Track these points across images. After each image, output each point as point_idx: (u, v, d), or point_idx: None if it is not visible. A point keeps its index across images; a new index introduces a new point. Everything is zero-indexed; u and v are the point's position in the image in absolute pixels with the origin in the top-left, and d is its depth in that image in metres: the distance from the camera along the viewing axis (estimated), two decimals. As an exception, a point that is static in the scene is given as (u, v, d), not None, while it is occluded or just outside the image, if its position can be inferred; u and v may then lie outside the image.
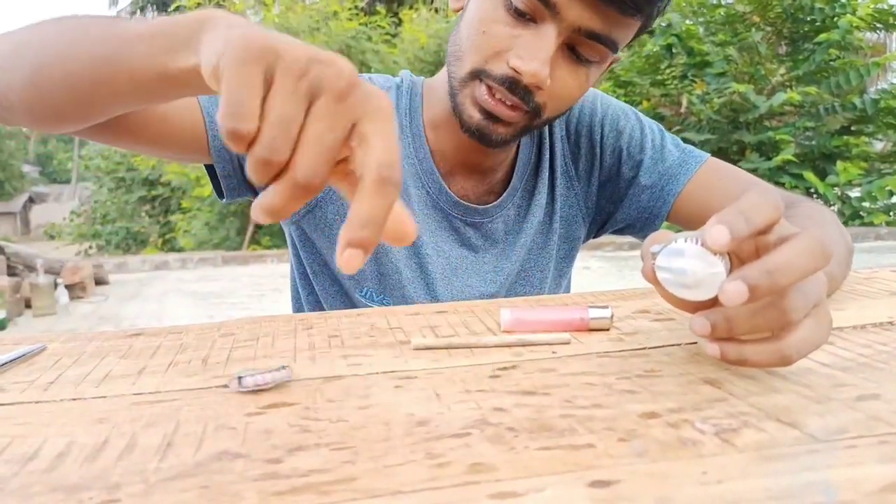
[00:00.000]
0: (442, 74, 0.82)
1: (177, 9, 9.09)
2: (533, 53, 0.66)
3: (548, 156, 0.87)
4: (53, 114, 0.53)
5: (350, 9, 9.83)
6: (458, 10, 0.76)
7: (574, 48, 0.68)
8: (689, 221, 0.83)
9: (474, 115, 0.71)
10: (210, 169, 0.76)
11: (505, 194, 0.84)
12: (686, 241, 0.38)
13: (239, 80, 0.31)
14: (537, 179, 0.86)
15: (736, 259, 0.40)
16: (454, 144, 0.81)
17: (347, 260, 0.31)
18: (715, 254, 0.37)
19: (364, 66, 9.45)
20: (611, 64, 0.76)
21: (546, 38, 0.66)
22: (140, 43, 0.44)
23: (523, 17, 0.67)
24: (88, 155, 12.14)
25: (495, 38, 0.68)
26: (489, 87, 0.69)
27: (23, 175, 28.61)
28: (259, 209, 0.32)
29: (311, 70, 0.32)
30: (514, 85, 0.68)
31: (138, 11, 20.64)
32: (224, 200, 0.79)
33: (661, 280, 0.39)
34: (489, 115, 0.70)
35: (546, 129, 0.86)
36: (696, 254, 0.37)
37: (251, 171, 0.32)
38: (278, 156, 0.31)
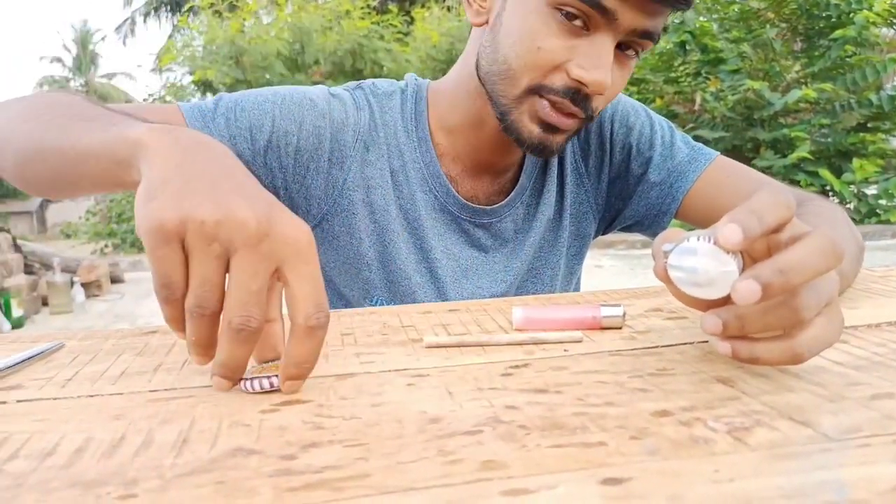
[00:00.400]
0: (453, 78, 0.81)
1: (190, 9, 9.14)
2: (594, 62, 0.66)
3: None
4: (46, 193, 0.63)
5: (362, 8, 9.84)
6: (481, 25, 0.74)
7: (622, 46, 0.69)
8: (698, 219, 0.83)
9: (534, 130, 0.71)
10: None
11: (513, 193, 0.84)
12: (699, 239, 0.38)
13: (160, 261, 0.38)
14: (546, 177, 0.86)
15: (748, 257, 0.40)
16: (472, 147, 0.81)
17: (289, 388, 0.40)
18: (727, 252, 0.37)
19: (376, 65, 9.47)
20: None
21: (605, 45, 0.66)
22: (92, 158, 0.50)
23: (577, 27, 0.66)
24: (104, 154, 12.22)
25: (552, 52, 0.67)
26: (551, 102, 0.69)
27: (39, 175, 28.84)
28: (215, 377, 0.40)
29: (220, 232, 0.37)
30: (576, 95, 0.68)
31: (152, 11, 20.77)
32: None
33: (673, 279, 0.39)
34: (549, 128, 0.70)
35: None
36: (709, 252, 0.37)
37: (192, 334, 0.39)
38: (209, 306, 0.38)
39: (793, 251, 0.36)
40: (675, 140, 0.86)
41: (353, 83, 0.85)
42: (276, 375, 0.41)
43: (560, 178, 0.87)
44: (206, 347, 0.40)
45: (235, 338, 0.38)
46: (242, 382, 0.41)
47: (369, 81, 0.86)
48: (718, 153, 0.85)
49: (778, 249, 0.38)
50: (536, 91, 0.69)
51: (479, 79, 0.75)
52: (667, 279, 0.40)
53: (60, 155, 0.54)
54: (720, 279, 0.38)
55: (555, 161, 0.86)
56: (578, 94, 0.68)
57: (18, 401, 0.41)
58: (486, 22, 0.73)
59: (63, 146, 0.53)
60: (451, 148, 0.82)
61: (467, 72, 0.77)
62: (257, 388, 0.40)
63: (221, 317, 0.38)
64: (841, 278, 0.56)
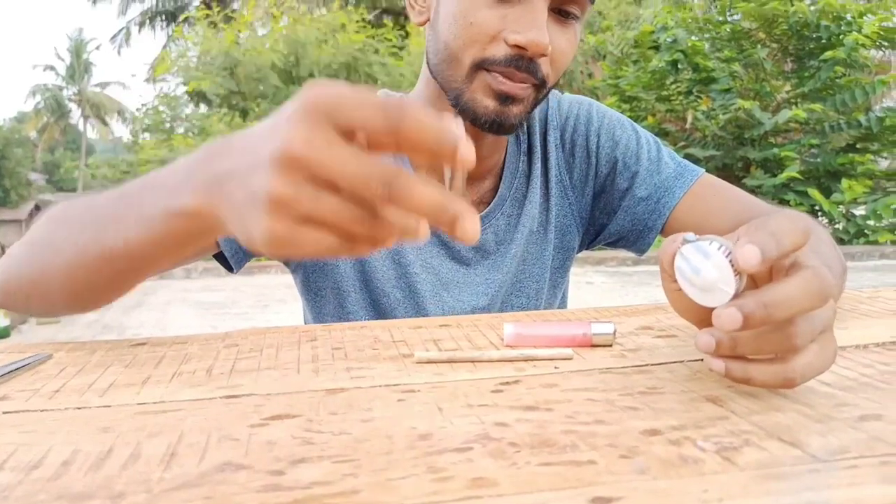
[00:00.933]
0: (417, 88, 0.81)
1: (185, 19, 9.15)
2: (528, 24, 0.67)
3: (539, 164, 0.86)
4: (109, 300, 0.58)
5: (357, 21, 9.88)
6: (424, 23, 0.76)
7: (558, 8, 0.69)
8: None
9: (489, 104, 0.70)
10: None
11: (493, 203, 0.83)
12: (719, 247, 0.38)
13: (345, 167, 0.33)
14: (528, 187, 0.85)
15: (749, 276, 0.41)
16: None
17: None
18: (736, 273, 0.37)
19: (371, 78, 9.50)
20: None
21: (535, 7, 0.67)
22: (149, 249, 0.47)
23: None
24: (95, 163, 12.20)
25: (485, 23, 0.68)
26: (500, 73, 0.69)
27: (29, 183, 28.76)
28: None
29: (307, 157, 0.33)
30: (520, 61, 0.68)
31: (147, 21, 20.81)
32: (235, 272, 0.78)
33: (676, 266, 0.40)
34: (503, 99, 0.70)
35: (538, 137, 0.86)
36: (719, 264, 0.38)
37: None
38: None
39: (782, 287, 0.37)
40: (662, 155, 0.85)
41: None
42: None
43: (544, 190, 0.86)
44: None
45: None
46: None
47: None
48: (704, 170, 0.85)
49: (779, 274, 0.39)
50: (481, 66, 0.69)
51: (432, 75, 0.75)
52: (669, 265, 0.41)
53: (112, 247, 0.50)
54: (715, 293, 0.38)
55: (537, 171, 0.85)
56: (522, 60, 0.68)
57: (5, 412, 0.41)
58: (429, 19, 0.75)
59: (108, 245, 0.49)
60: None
61: (425, 77, 0.78)
62: None
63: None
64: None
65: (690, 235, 0.40)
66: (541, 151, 0.86)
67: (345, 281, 0.81)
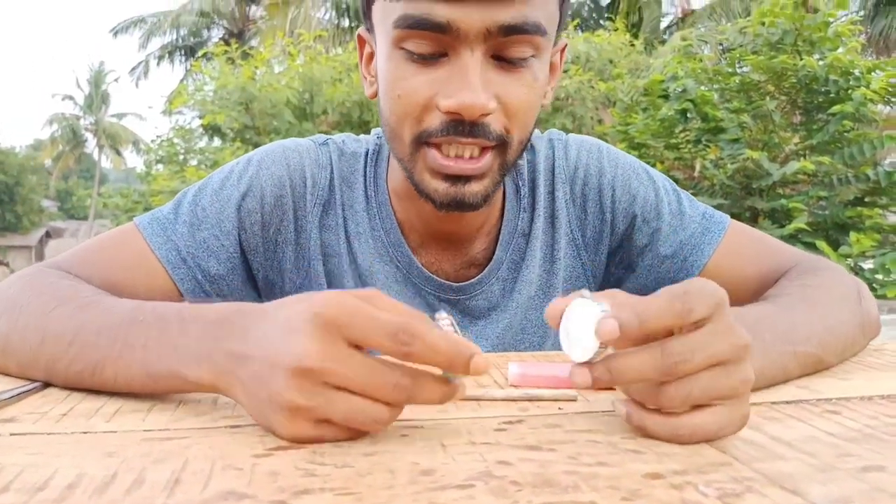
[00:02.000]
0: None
1: (204, 55, 9.35)
2: (459, 86, 0.59)
3: (541, 222, 0.78)
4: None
5: (372, 62, 9.99)
6: (374, 97, 0.70)
7: (499, 55, 0.61)
8: None
9: (440, 187, 0.64)
10: None
11: (487, 270, 0.76)
12: (602, 311, 0.40)
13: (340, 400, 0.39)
14: (527, 248, 0.78)
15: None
16: (420, 216, 0.74)
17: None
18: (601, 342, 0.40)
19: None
20: (561, 52, 0.71)
21: (462, 62, 0.59)
22: (148, 389, 0.48)
23: (428, 58, 0.61)
24: (108, 193, 12.33)
25: (414, 92, 0.61)
26: (437, 147, 0.62)
27: (42, 209, 29.06)
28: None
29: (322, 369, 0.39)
30: (460, 127, 0.60)
31: (166, 55, 21.23)
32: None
33: (563, 315, 0.42)
34: (454, 179, 0.63)
35: (543, 191, 0.78)
36: (588, 327, 0.40)
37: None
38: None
39: (623, 358, 0.39)
40: (683, 207, 0.79)
41: (322, 136, 0.79)
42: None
43: (548, 250, 0.79)
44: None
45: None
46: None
47: (340, 137, 0.80)
48: (729, 218, 0.79)
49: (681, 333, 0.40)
50: (422, 141, 0.63)
51: None
52: (558, 315, 0.42)
53: (111, 384, 0.49)
54: (576, 350, 0.41)
55: (539, 230, 0.78)
56: (462, 125, 0.60)
57: (12, 434, 0.41)
58: (376, 92, 0.69)
59: (118, 386, 0.49)
60: (406, 216, 0.75)
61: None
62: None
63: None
64: (815, 361, 0.57)
65: (586, 292, 0.42)
66: (547, 208, 0.79)
67: None
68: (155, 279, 0.69)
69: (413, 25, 0.59)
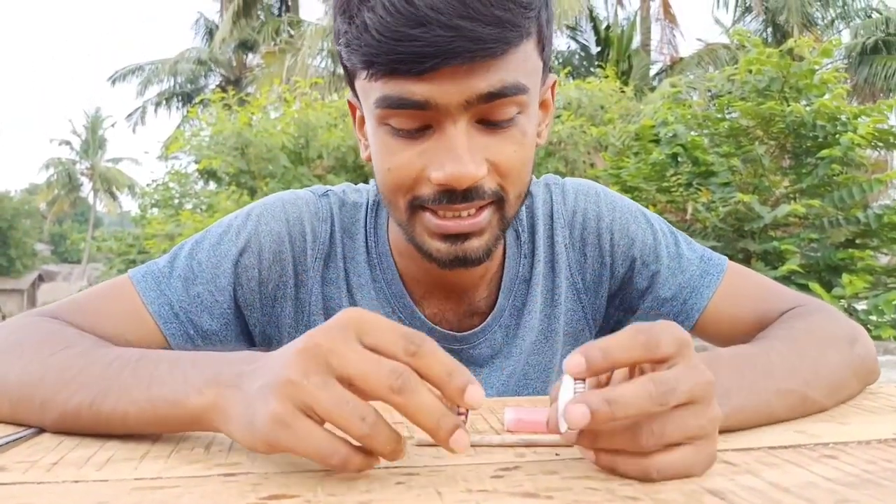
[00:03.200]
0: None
1: (201, 101, 9.46)
2: (446, 157, 0.59)
3: (542, 267, 0.79)
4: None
5: (367, 108, 10.11)
6: (369, 160, 0.69)
7: (484, 119, 0.61)
8: (717, 334, 0.78)
9: (441, 247, 0.64)
10: None
11: (490, 318, 0.76)
12: (582, 387, 0.41)
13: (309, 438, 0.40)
14: (528, 294, 0.78)
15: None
16: (421, 269, 0.74)
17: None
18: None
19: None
20: (552, 87, 0.71)
21: (447, 134, 0.59)
22: (143, 425, 0.50)
23: (413, 133, 0.61)
24: (102, 236, 12.33)
25: (402, 168, 0.62)
26: (433, 211, 0.63)
27: (35, 253, 28.98)
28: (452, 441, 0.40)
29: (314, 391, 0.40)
30: (453, 195, 0.61)
31: (164, 102, 21.49)
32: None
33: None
34: (454, 237, 0.64)
35: (542, 237, 0.79)
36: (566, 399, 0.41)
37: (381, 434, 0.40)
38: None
39: (618, 388, 0.40)
40: (682, 250, 0.80)
41: (321, 188, 0.80)
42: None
43: (548, 295, 0.79)
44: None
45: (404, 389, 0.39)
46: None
47: (341, 188, 0.80)
48: (727, 260, 0.80)
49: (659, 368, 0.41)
50: (417, 206, 0.63)
51: None
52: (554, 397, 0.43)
53: (107, 414, 0.50)
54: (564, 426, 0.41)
55: (539, 275, 0.78)
56: (455, 193, 0.61)
57: (2, 483, 0.41)
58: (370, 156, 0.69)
59: (115, 416, 0.50)
60: (408, 268, 0.76)
61: None
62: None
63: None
64: (801, 401, 0.57)
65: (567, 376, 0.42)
66: (546, 253, 0.79)
67: None
68: (146, 332, 0.69)
69: (393, 105, 0.60)
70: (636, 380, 0.40)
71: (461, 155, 0.59)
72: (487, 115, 0.61)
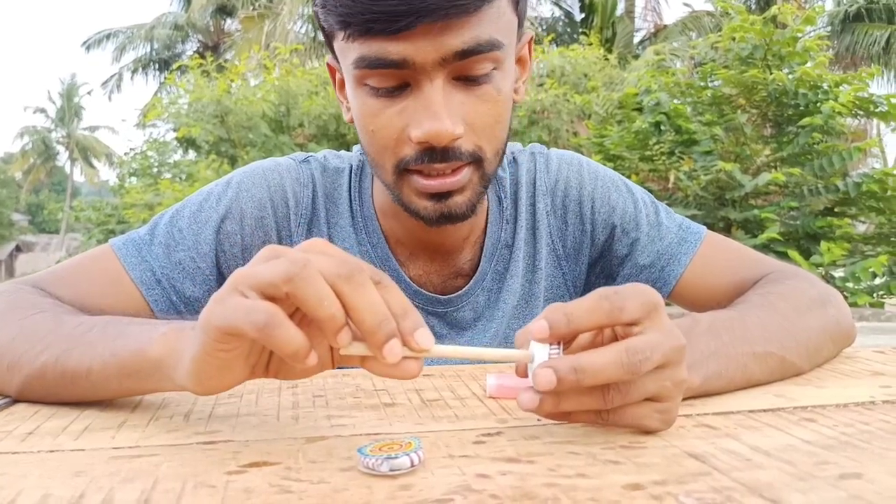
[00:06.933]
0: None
1: (178, 68, 9.28)
2: (423, 115, 0.60)
3: (523, 233, 0.80)
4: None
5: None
6: (352, 122, 0.70)
7: (461, 75, 0.62)
8: (691, 301, 0.79)
9: (427, 205, 0.66)
10: None
11: (472, 281, 0.78)
12: (557, 350, 0.41)
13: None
14: (510, 259, 0.80)
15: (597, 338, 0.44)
16: (407, 230, 0.75)
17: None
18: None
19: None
20: (529, 43, 0.72)
21: (424, 92, 0.61)
22: (114, 380, 0.48)
23: (391, 92, 0.62)
24: (80, 206, 12.16)
25: (384, 128, 0.63)
26: (418, 171, 0.64)
27: (12, 223, 28.56)
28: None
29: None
30: (433, 154, 0.62)
31: (140, 68, 21.06)
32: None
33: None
34: (438, 196, 0.65)
35: (524, 203, 0.80)
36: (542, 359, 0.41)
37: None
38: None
39: (588, 355, 0.40)
40: (661, 218, 0.81)
41: (302, 154, 0.80)
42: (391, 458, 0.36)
43: (530, 261, 0.80)
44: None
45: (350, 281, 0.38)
46: (365, 461, 0.37)
47: (322, 154, 0.81)
48: (705, 229, 0.81)
49: (625, 336, 0.42)
50: (403, 168, 0.65)
51: None
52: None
53: (72, 370, 0.49)
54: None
55: (521, 241, 0.80)
56: (434, 152, 0.62)
57: (-25, 454, 0.40)
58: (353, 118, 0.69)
59: (79, 371, 0.49)
60: (393, 230, 0.77)
61: None
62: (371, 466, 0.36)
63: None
64: (780, 364, 0.58)
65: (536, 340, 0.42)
66: (528, 219, 0.81)
67: None
68: (129, 300, 0.69)
69: (370, 65, 0.60)
70: (610, 347, 0.40)
71: (438, 111, 0.60)
72: (463, 71, 0.62)
